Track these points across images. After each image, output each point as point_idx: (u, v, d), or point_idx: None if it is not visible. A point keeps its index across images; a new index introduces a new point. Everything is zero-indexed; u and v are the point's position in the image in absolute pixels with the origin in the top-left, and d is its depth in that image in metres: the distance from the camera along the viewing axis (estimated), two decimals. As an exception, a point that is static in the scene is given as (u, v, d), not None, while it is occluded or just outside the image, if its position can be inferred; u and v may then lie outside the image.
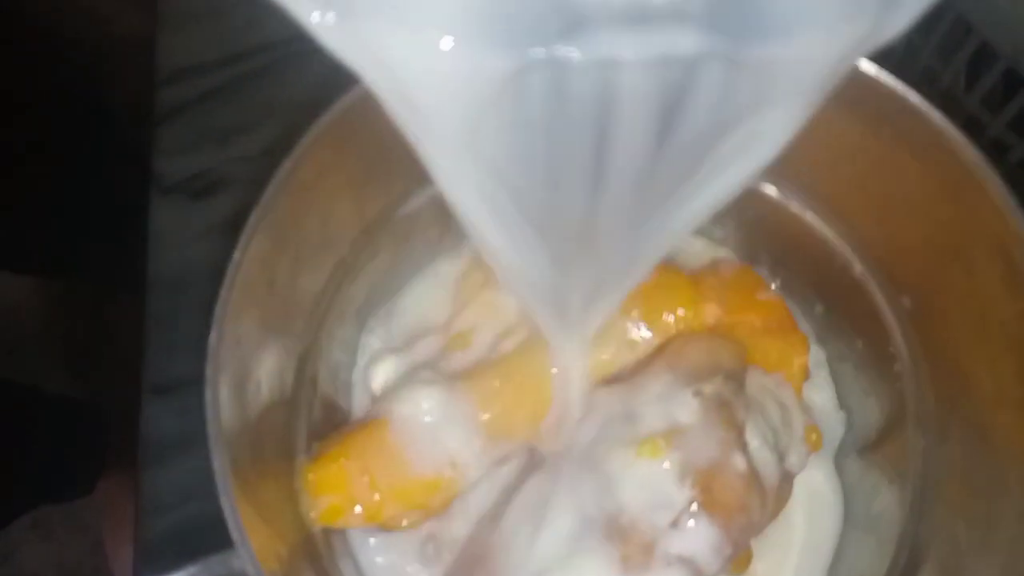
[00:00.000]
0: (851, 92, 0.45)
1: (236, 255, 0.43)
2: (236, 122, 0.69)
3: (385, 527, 0.49)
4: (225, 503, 0.38)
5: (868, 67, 0.44)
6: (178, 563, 0.40)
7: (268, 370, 0.47)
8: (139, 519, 0.58)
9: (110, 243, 0.95)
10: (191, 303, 0.61)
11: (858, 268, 0.53)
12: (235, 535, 0.37)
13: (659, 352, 0.51)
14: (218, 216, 0.66)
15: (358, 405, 0.54)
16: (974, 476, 0.45)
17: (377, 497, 0.48)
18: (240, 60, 0.72)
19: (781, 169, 0.53)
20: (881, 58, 0.44)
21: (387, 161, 0.51)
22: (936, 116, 0.44)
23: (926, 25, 0.48)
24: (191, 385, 0.40)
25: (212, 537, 0.38)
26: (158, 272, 0.65)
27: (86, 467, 1.12)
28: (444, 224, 0.55)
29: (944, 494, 0.47)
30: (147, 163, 0.70)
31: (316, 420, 0.52)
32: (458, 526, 0.49)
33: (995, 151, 0.48)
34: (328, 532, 0.49)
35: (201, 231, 0.66)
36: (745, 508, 0.43)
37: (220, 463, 0.39)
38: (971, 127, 0.48)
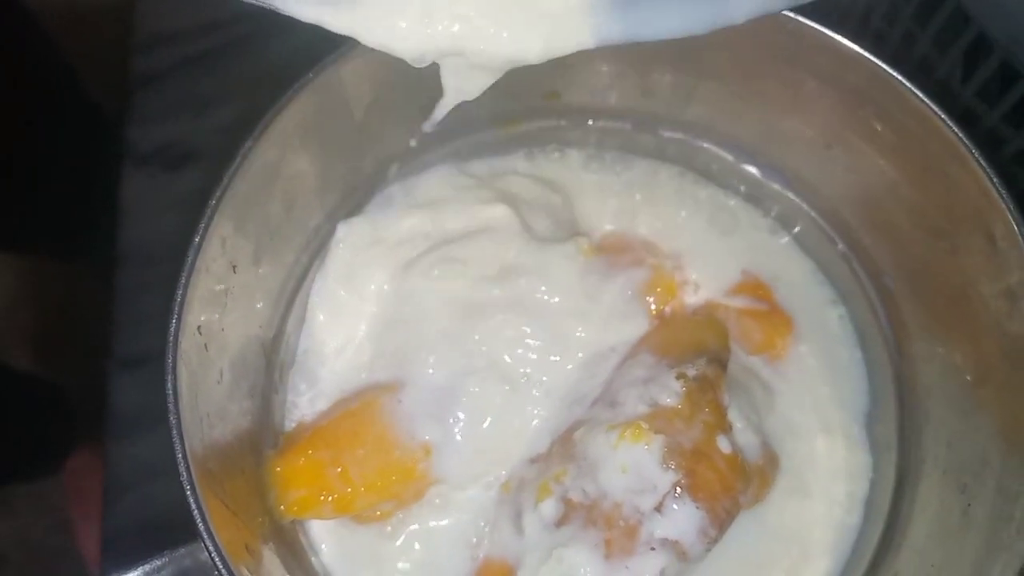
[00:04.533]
0: (832, 72, 0.45)
1: (196, 239, 0.41)
2: (213, 92, 0.67)
3: (358, 519, 0.47)
4: (190, 497, 0.36)
5: (848, 45, 0.43)
6: (145, 550, 0.38)
7: (232, 359, 0.45)
8: (105, 495, 0.56)
9: (80, 215, 0.92)
10: (161, 277, 0.59)
11: (841, 246, 0.52)
12: (200, 528, 0.35)
13: (642, 338, 0.50)
14: (191, 188, 0.63)
15: (328, 396, 0.51)
16: (956, 453, 0.45)
17: (350, 489, 0.46)
18: (219, 28, 0.69)
19: (763, 151, 0.53)
20: (877, 45, 0.43)
21: (354, 142, 0.49)
22: (917, 94, 0.43)
23: (924, 14, 0.47)
24: (160, 359, 0.39)
25: (179, 519, 0.37)
26: (128, 244, 0.62)
27: (52, 446, 1.10)
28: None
29: (926, 471, 0.47)
30: (120, 132, 0.67)
31: (284, 411, 0.50)
32: (431, 514, 0.48)
33: (990, 144, 0.47)
34: (298, 524, 0.47)
35: (173, 203, 0.63)
36: (730, 490, 0.43)
37: (183, 456, 0.37)
38: (967, 119, 0.47)
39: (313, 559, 0.48)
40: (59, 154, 0.93)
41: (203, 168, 0.65)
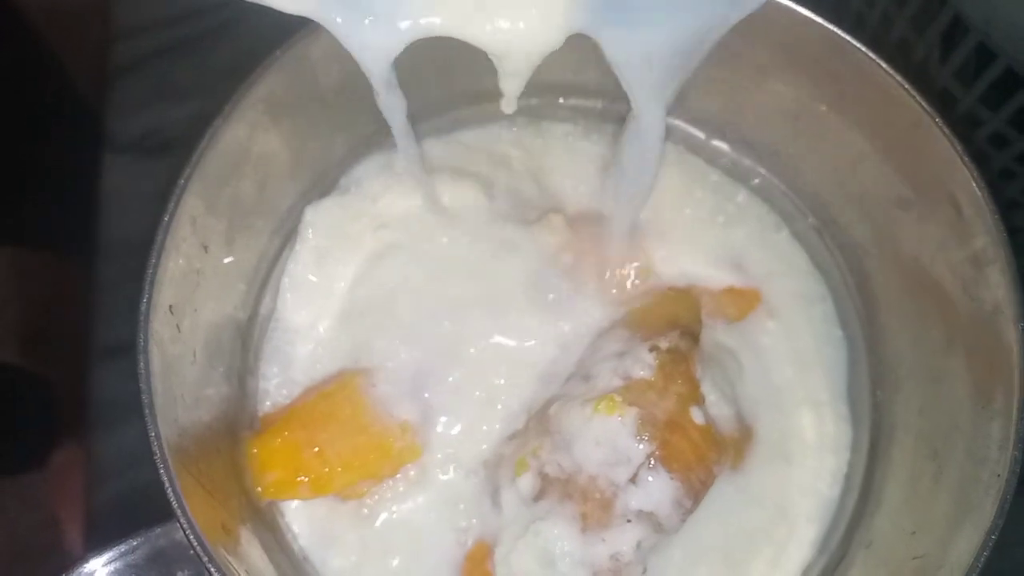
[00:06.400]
0: (798, 48, 0.45)
1: (165, 218, 0.41)
2: (192, 80, 0.66)
3: (335, 497, 0.47)
4: (163, 474, 0.36)
5: (809, 16, 0.44)
6: (125, 532, 0.38)
7: (206, 340, 0.45)
8: (88, 483, 0.56)
9: (61, 205, 0.92)
10: (142, 265, 0.59)
11: (812, 219, 0.53)
12: (174, 504, 0.35)
13: (616, 313, 0.50)
14: (171, 177, 0.63)
15: (299, 381, 0.50)
16: (927, 420, 0.46)
17: (327, 469, 0.46)
18: (200, 15, 0.69)
19: (734, 126, 0.53)
20: (855, 29, 0.44)
21: (325, 122, 0.49)
22: (882, 68, 0.43)
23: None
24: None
25: (160, 504, 0.37)
26: (110, 234, 0.62)
27: (36, 439, 1.10)
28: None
29: (899, 438, 0.47)
30: (100, 121, 0.66)
31: (261, 392, 0.49)
32: (409, 495, 0.48)
33: (967, 125, 0.47)
34: (276, 505, 0.47)
35: (153, 191, 0.63)
36: (703, 460, 0.43)
37: (156, 434, 0.37)
38: (945, 100, 0.47)
39: (291, 541, 0.48)
40: (43, 145, 0.92)
41: (183, 157, 0.64)
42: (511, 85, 0.39)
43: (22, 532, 1.25)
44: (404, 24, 0.36)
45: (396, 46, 0.37)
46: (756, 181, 0.54)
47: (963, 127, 0.47)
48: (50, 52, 0.97)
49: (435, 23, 0.36)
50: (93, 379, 0.59)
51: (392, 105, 0.40)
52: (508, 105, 0.40)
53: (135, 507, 0.54)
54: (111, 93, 0.67)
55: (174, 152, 0.64)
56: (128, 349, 0.58)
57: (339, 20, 0.36)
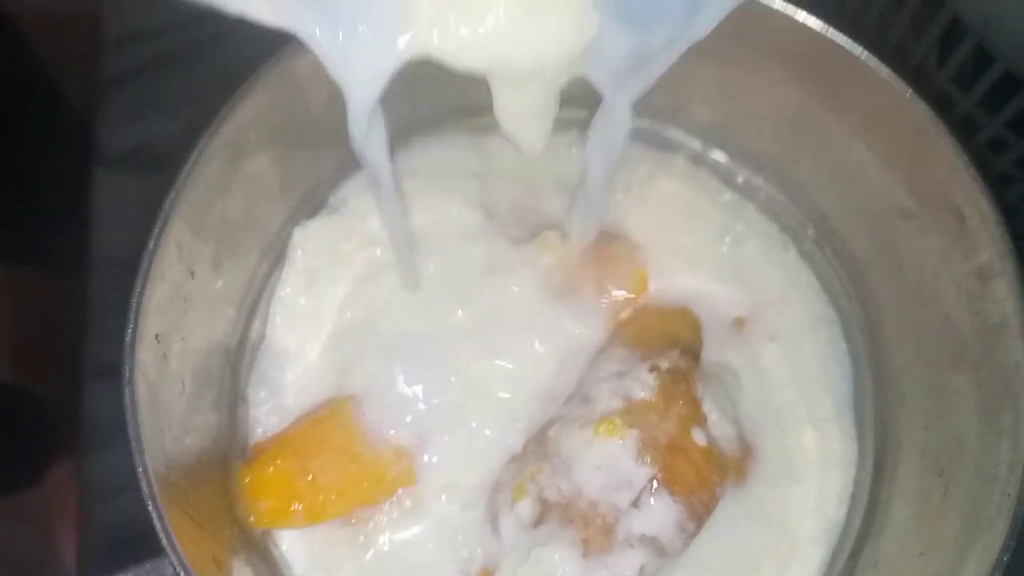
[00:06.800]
0: (797, 53, 0.44)
1: (149, 245, 0.39)
2: (186, 91, 0.64)
3: (338, 525, 0.46)
4: (152, 511, 0.35)
5: (815, 26, 0.43)
6: (119, 553, 0.37)
7: (195, 368, 0.44)
8: (81, 505, 0.55)
9: (53, 221, 0.91)
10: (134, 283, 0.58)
11: (811, 231, 0.52)
12: (163, 541, 0.34)
13: (614, 332, 0.49)
14: (163, 191, 0.62)
15: (290, 407, 0.49)
16: (933, 437, 0.45)
17: (321, 497, 0.45)
18: (191, 25, 0.67)
19: (730, 135, 0.52)
20: (853, 31, 0.43)
21: (314, 139, 0.48)
22: (883, 73, 0.42)
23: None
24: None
25: (152, 531, 0.36)
26: (101, 250, 0.60)
27: (30, 457, 1.09)
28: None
29: (904, 455, 0.46)
30: (91, 135, 0.65)
31: (252, 420, 0.48)
32: (404, 523, 0.46)
33: (965, 129, 0.46)
34: (269, 535, 0.46)
35: (145, 207, 0.62)
36: (706, 483, 0.42)
37: (143, 469, 0.36)
38: (942, 104, 0.46)
39: (286, 571, 0.47)
40: (34, 160, 0.91)
41: (170, 175, 0.63)
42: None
43: (16, 548, 1.25)
44: (402, 41, 0.34)
45: (388, 67, 0.35)
46: (763, 197, 0.53)
47: (961, 131, 0.46)
48: (41, 64, 0.95)
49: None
50: (87, 397, 0.57)
51: (372, 141, 0.38)
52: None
53: (130, 529, 0.53)
54: (101, 106, 0.66)
55: (164, 167, 0.63)
56: (117, 370, 0.57)
57: (318, 35, 0.35)
